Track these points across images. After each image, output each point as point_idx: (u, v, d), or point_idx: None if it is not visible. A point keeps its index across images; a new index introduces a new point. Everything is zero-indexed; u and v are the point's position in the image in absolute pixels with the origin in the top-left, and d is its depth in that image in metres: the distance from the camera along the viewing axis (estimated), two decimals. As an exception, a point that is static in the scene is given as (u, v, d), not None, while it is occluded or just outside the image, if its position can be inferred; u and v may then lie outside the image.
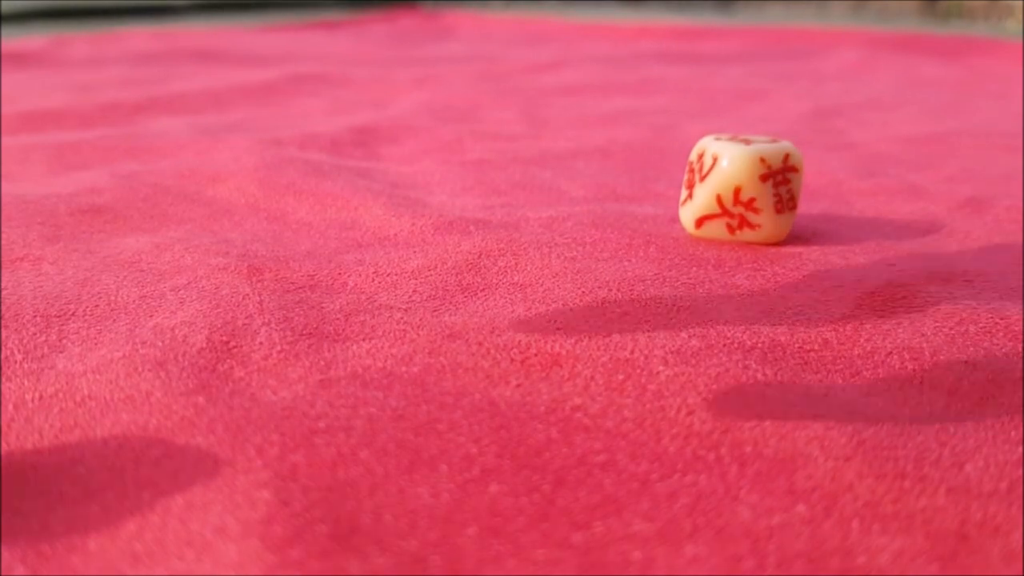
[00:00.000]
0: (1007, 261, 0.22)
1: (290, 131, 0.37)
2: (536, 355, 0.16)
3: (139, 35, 0.77)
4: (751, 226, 0.23)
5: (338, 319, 0.18)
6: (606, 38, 0.82)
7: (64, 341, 0.17)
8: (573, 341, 0.16)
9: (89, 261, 0.21)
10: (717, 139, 0.23)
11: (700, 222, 0.23)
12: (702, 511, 0.12)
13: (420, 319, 0.18)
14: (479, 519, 0.12)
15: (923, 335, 0.17)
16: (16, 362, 0.16)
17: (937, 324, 0.18)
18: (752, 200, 0.22)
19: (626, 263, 0.21)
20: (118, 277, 0.20)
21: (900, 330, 0.17)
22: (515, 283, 0.20)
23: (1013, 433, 0.14)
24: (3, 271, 0.21)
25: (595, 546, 0.11)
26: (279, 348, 0.16)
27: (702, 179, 0.23)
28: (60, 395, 0.15)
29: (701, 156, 0.23)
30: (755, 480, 0.13)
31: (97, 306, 0.19)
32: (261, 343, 0.17)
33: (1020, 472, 0.13)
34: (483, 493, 0.12)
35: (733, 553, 0.11)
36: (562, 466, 0.13)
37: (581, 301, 0.18)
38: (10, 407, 0.15)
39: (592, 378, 0.15)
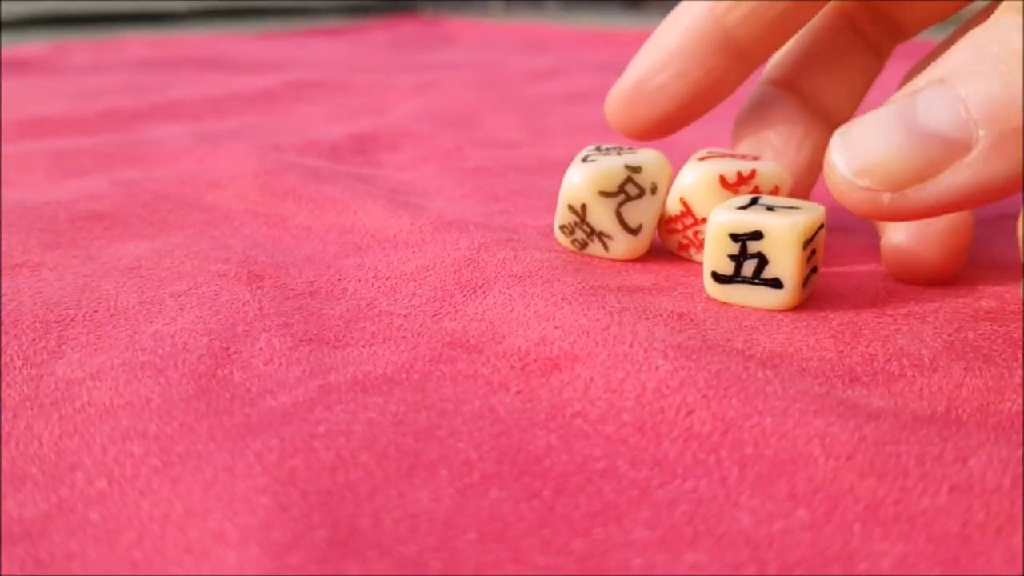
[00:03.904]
0: (1006, 267, 0.22)
1: (290, 137, 0.37)
2: (535, 360, 0.16)
3: (139, 42, 0.77)
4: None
5: (338, 325, 0.18)
6: (606, 45, 0.83)
7: (63, 347, 0.17)
8: (572, 339, 0.16)
9: (88, 267, 0.21)
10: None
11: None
12: (703, 517, 0.12)
13: (420, 325, 0.18)
14: (479, 524, 0.12)
15: (922, 341, 0.17)
16: (16, 368, 0.16)
17: (936, 330, 0.18)
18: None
19: (624, 272, 0.21)
20: (117, 283, 0.20)
21: (899, 336, 0.17)
22: (514, 274, 0.20)
23: (1015, 436, 0.13)
24: (3, 277, 0.21)
25: (595, 553, 0.11)
26: (279, 354, 0.16)
27: None
28: (59, 401, 0.15)
29: None
30: (755, 484, 0.13)
31: (96, 312, 0.19)
32: (261, 349, 0.17)
33: (1023, 469, 0.12)
34: (483, 498, 0.12)
35: (733, 560, 0.11)
36: (562, 472, 0.13)
37: (580, 296, 0.18)
38: (10, 414, 0.15)
39: (592, 380, 0.15)
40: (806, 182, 0.23)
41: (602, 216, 0.21)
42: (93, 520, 0.12)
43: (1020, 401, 0.15)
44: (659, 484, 0.13)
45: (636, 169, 0.20)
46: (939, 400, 0.15)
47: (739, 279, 0.19)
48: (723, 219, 0.18)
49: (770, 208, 0.18)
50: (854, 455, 0.13)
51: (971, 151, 0.15)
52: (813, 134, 0.23)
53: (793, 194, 0.23)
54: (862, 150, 0.16)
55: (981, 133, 0.15)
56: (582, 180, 0.20)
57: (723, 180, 0.20)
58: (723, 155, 0.21)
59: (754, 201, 0.19)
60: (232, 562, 0.11)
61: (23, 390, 0.15)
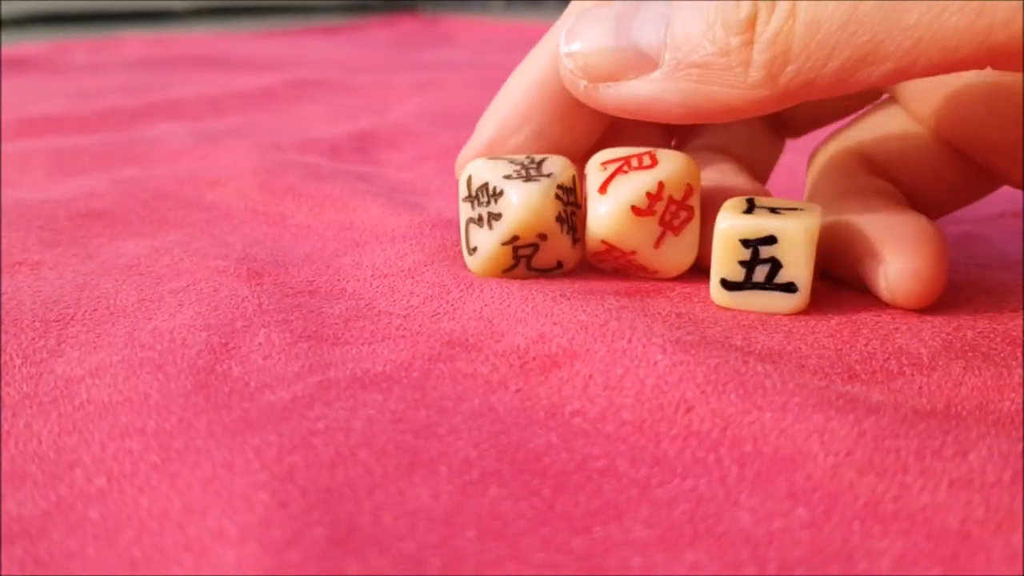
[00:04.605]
0: (1005, 265, 0.22)
1: (289, 136, 0.37)
2: (534, 358, 0.16)
3: (139, 41, 0.77)
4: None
5: (337, 323, 0.18)
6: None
7: (63, 345, 0.17)
8: (570, 335, 0.16)
9: (88, 265, 0.21)
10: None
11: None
12: (702, 516, 0.12)
13: (419, 325, 0.18)
14: (479, 522, 0.12)
15: (921, 339, 0.17)
16: (15, 367, 0.16)
17: (935, 328, 0.18)
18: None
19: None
20: (117, 281, 0.20)
21: (898, 334, 0.17)
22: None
23: (1015, 432, 0.13)
24: (2, 275, 0.21)
25: (595, 551, 0.11)
26: (278, 349, 0.16)
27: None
28: (59, 399, 0.15)
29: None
30: (755, 482, 0.12)
31: (96, 310, 0.19)
32: (260, 344, 0.17)
33: (1023, 463, 0.12)
34: (483, 496, 0.12)
35: (733, 559, 0.11)
36: (562, 471, 0.13)
37: (579, 294, 0.18)
38: (9, 412, 0.15)
39: (591, 377, 0.15)
40: None
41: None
42: (92, 518, 0.12)
43: (1020, 399, 0.15)
44: (658, 483, 0.13)
45: (512, 240, 0.19)
46: (938, 398, 0.15)
47: (750, 285, 0.18)
48: (732, 224, 0.18)
49: (773, 210, 0.18)
50: (853, 451, 0.13)
51: (656, 70, 0.17)
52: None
53: None
54: (579, 36, 0.18)
55: (667, 57, 0.16)
56: (481, 269, 0.20)
57: (636, 210, 0.18)
58: (621, 159, 0.19)
59: (751, 203, 0.18)
60: (231, 560, 0.11)
61: (22, 388, 0.15)
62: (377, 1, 1.21)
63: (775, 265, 0.18)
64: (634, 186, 0.19)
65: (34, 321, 0.18)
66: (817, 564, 0.11)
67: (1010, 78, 0.19)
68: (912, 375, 0.16)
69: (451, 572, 0.11)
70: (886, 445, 0.13)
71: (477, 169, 0.19)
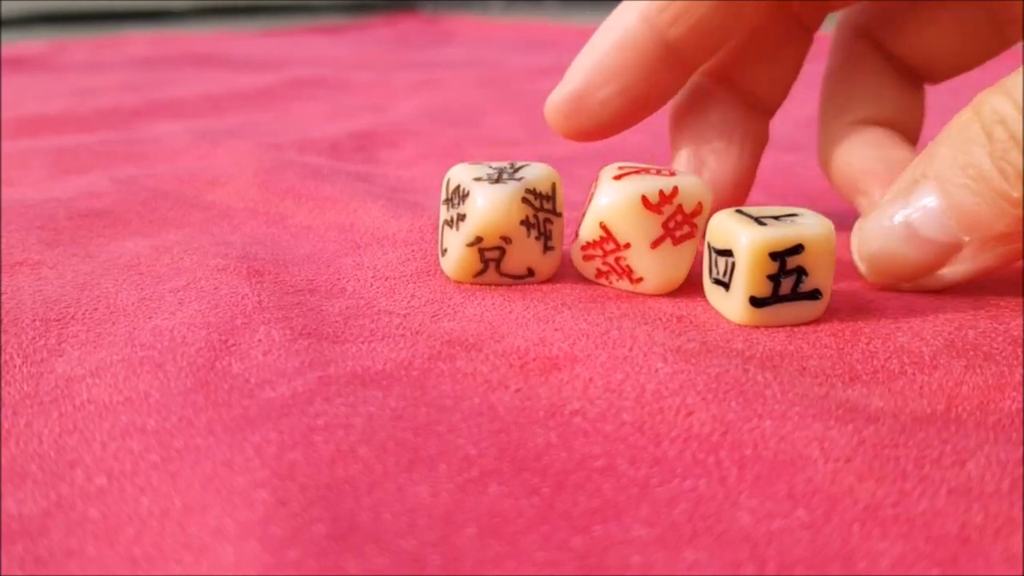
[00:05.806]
0: (1005, 267, 0.22)
1: (289, 135, 0.37)
2: (534, 359, 0.16)
3: (139, 40, 0.77)
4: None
5: (337, 322, 0.18)
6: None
7: (63, 345, 0.17)
8: (571, 341, 0.16)
9: (88, 265, 0.21)
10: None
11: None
12: (702, 516, 0.12)
13: (419, 325, 0.18)
14: (479, 519, 0.12)
15: (923, 339, 0.17)
16: (15, 366, 0.16)
17: (937, 328, 0.18)
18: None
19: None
20: (117, 280, 0.20)
21: (900, 334, 0.17)
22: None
23: (1014, 435, 0.14)
24: (3, 275, 0.21)
25: (595, 550, 0.11)
26: (278, 345, 0.16)
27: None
28: (59, 399, 0.15)
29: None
30: (755, 484, 0.13)
31: (96, 309, 0.19)
32: (260, 340, 0.17)
33: (1021, 471, 0.12)
34: (482, 494, 0.12)
35: (732, 558, 0.11)
36: (561, 470, 0.13)
37: (580, 302, 0.18)
38: (9, 411, 0.15)
39: (591, 380, 0.15)
40: (748, 182, 0.23)
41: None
42: (92, 517, 0.12)
43: (1020, 399, 0.15)
44: (658, 483, 0.13)
45: (476, 241, 0.19)
46: (939, 398, 0.15)
47: (777, 299, 0.17)
48: (759, 238, 0.17)
49: (777, 218, 0.18)
50: (853, 458, 0.13)
51: (962, 249, 0.18)
52: (752, 131, 0.23)
53: (736, 194, 0.22)
54: (877, 258, 0.19)
55: (966, 239, 0.18)
56: (452, 271, 0.19)
57: (645, 201, 0.18)
58: (637, 170, 0.19)
59: (757, 216, 0.18)
60: (231, 557, 0.11)
61: (23, 388, 0.15)
62: (377, 0, 1.21)
63: (800, 274, 0.17)
64: (650, 183, 0.18)
65: (34, 320, 0.18)
66: (816, 564, 0.11)
67: None
68: (913, 374, 0.16)
69: (451, 570, 0.11)
70: (885, 454, 0.13)
71: (457, 172, 0.19)
